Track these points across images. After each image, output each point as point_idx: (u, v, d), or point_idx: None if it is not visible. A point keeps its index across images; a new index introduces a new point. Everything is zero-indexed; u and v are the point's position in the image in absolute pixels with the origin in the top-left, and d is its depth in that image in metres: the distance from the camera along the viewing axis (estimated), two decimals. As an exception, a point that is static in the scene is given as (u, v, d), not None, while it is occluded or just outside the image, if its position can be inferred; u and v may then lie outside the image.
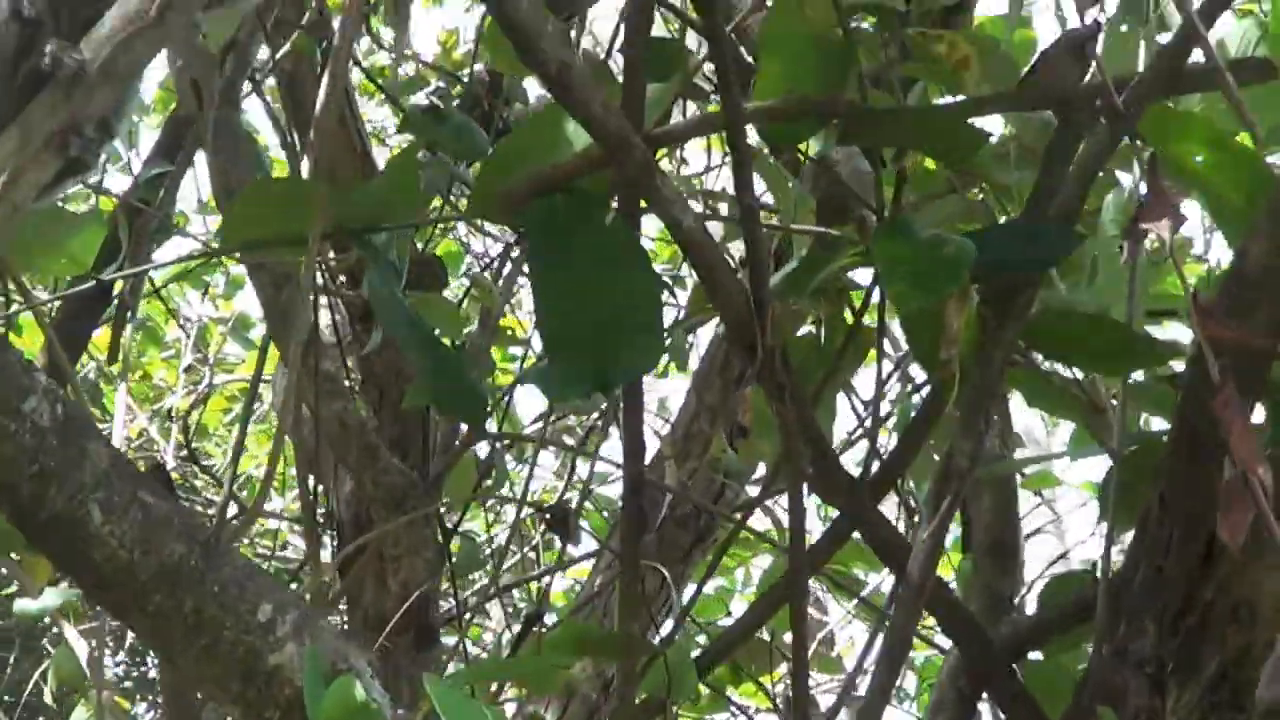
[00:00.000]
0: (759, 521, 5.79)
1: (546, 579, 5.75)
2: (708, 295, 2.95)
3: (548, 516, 4.20)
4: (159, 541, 2.52)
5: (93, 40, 2.05)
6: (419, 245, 5.84)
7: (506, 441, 5.81)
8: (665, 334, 4.58)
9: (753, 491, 5.29)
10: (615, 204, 2.93)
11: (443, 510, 5.33)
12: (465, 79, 6.06)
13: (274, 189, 3.26)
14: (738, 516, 4.84)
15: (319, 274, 4.90)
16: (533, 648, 3.66)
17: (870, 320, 3.22)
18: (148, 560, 2.51)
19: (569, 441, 6.43)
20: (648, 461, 5.46)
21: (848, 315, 3.33)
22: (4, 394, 2.45)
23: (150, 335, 8.69)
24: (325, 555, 6.19)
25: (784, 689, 7.19)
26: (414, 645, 4.86)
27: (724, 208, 4.63)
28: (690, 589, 7.07)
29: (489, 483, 5.44)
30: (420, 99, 5.56)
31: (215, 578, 2.54)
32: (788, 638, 7.21)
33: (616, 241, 2.85)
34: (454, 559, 5.26)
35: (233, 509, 6.94)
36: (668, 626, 6.04)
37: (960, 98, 3.06)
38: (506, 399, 5.77)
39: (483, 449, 5.59)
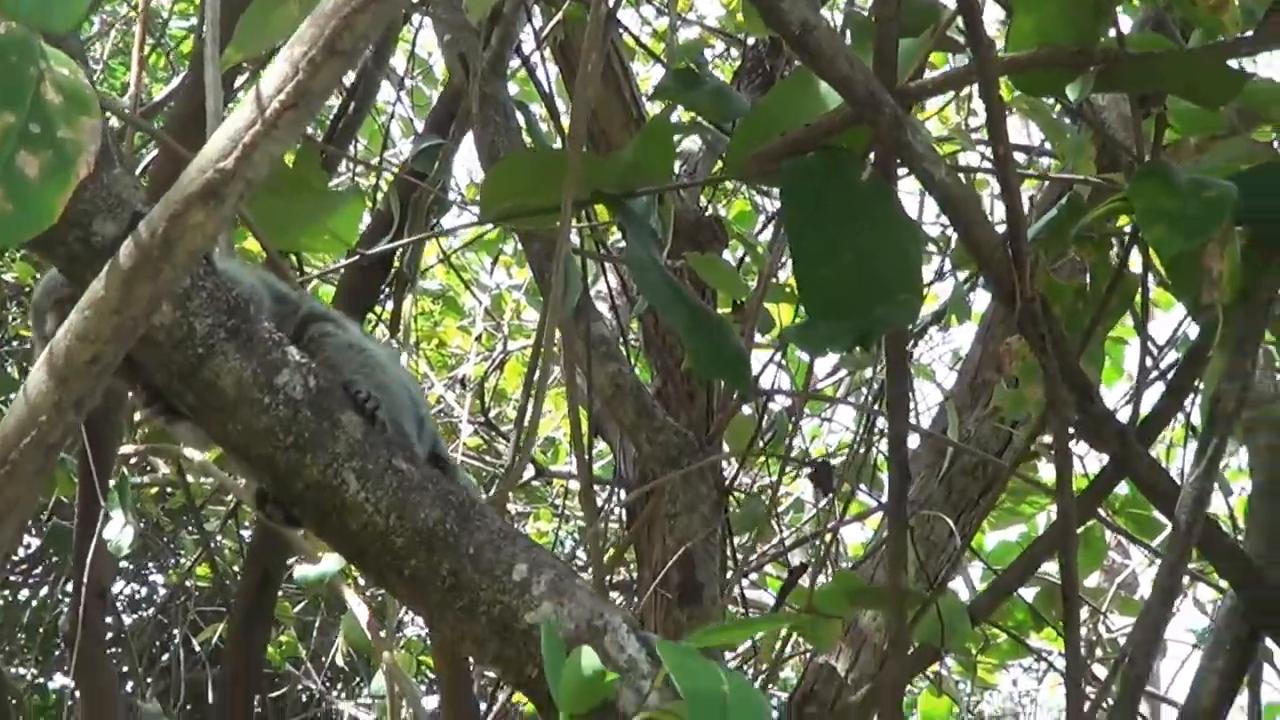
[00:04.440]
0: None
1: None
2: (965, 247, 2.94)
3: (809, 470, 4.20)
4: (414, 507, 2.58)
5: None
6: (706, 205, 5.90)
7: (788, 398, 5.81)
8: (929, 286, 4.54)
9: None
10: (871, 160, 2.95)
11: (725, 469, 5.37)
12: (747, 41, 6.11)
13: (529, 159, 3.33)
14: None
15: (592, 239, 4.97)
16: (798, 598, 3.66)
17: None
18: (404, 525, 2.57)
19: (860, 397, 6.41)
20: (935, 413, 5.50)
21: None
22: (258, 369, 2.54)
23: (450, 304, 8.85)
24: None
25: (1085, 632, 7.16)
26: (679, 601, 4.92)
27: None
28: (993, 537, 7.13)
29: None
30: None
31: (470, 540, 2.59)
32: (1088, 582, 7.17)
33: (872, 198, 2.86)
34: (734, 515, 5.31)
35: (529, 471, 7.17)
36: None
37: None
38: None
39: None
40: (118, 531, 4.76)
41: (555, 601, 2.55)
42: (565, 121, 5.09)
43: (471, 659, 4.17)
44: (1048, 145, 5.24)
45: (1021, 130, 7.02)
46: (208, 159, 2.07)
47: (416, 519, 2.57)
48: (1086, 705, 3.54)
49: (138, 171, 4.82)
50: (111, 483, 4.76)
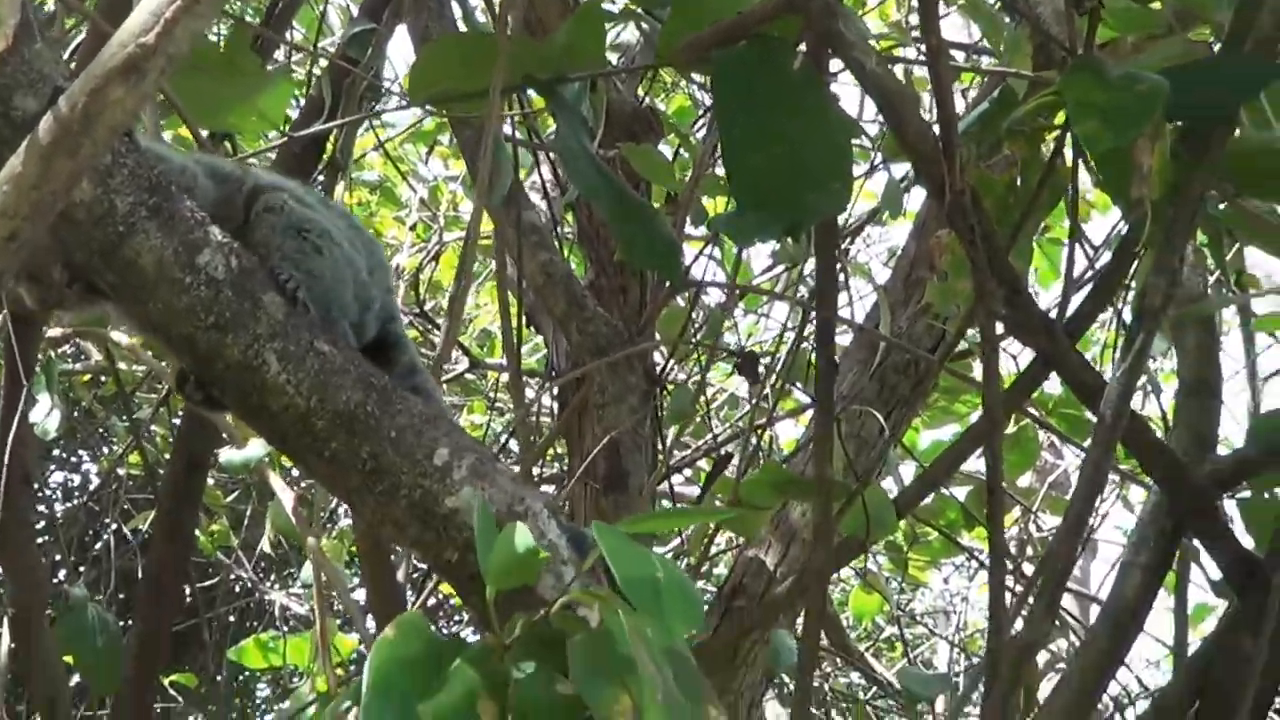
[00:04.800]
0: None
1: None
2: (895, 138, 2.93)
3: (736, 359, 4.20)
4: (335, 389, 2.57)
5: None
6: (642, 97, 5.87)
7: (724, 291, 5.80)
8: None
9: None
10: (802, 49, 2.93)
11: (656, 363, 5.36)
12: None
13: (460, 42, 3.30)
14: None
15: (524, 127, 4.94)
16: (725, 490, 3.66)
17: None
18: (324, 408, 2.56)
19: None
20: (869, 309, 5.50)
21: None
22: (179, 248, 2.52)
23: (387, 194, 8.80)
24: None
25: (1016, 531, 7.20)
26: (604, 489, 4.93)
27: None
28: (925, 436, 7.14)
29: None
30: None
31: (391, 424, 2.58)
32: (1020, 482, 7.20)
33: (803, 87, 2.84)
34: (664, 407, 5.31)
35: (464, 364, 7.17)
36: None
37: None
38: (739, 249, 5.72)
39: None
40: (44, 415, 4.74)
41: (476, 486, 2.56)
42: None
43: (394, 544, 4.17)
44: (986, 44, 5.22)
45: (962, 29, 7.02)
46: (129, 34, 2.05)
47: (338, 401, 2.57)
48: (1013, 601, 3.57)
49: (66, 55, 4.76)
50: (38, 366, 4.73)
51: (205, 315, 2.52)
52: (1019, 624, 3.40)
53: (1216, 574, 3.49)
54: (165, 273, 2.50)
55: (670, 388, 5.73)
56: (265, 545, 5.97)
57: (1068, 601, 6.72)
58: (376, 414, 2.58)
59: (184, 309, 2.52)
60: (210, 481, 6.41)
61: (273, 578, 9.96)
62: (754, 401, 5.60)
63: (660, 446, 5.33)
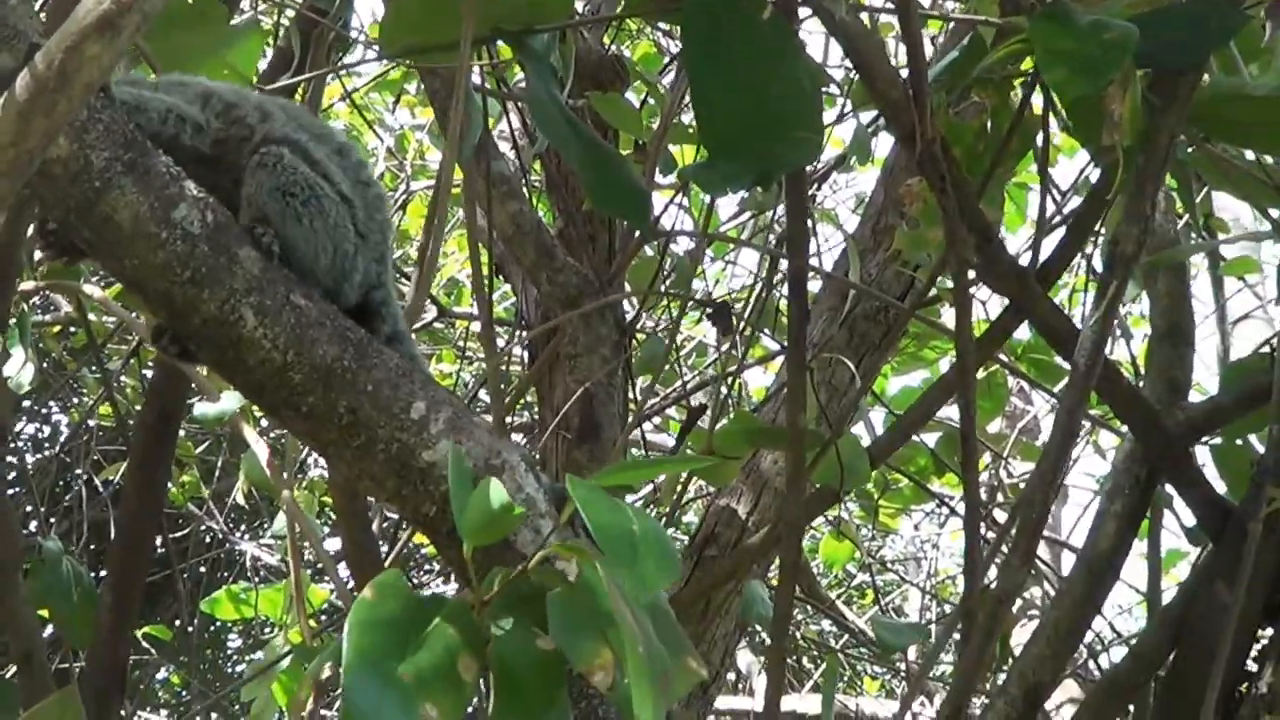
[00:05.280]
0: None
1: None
2: (866, 87, 2.92)
3: (708, 310, 4.19)
4: (312, 343, 2.57)
5: None
6: (607, 45, 5.85)
7: (693, 239, 5.79)
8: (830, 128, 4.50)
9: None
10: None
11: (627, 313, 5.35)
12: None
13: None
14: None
15: (493, 77, 4.91)
16: (697, 441, 3.67)
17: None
18: (301, 362, 2.56)
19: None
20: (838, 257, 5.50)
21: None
22: (155, 203, 2.51)
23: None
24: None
25: (987, 477, 7.22)
26: (577, 439, 4.93)
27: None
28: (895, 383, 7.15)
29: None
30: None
31: (368, 378, 2.59)
32: (990, 428, 7.20)
33: (772, 37, 2.83)
34: (634, 357, 5.31)
35: (432, 312, 7.15)
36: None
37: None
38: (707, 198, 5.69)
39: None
40: (17, 368, 4.71)
41: (453, 439, 2.56)
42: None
43: (371, 497, 4.17)
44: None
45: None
46: (103, -11, 2.04)
47: (314, 355, 2.56)
48: (987, 549, 3.58)
49: (37, 6, 4.72)
50: (11, 320, 4.69)
51: (181, 270, 2.51)
52: (993, 571, 3.41)
53: (1189, 520, 3.51)
54: (141, 228, 2.49)
55: (640, 337, 5.74)
56: (239, 496, 5.97)
57: (1039, 548, 6.75)
58: (353, 368, 2.58)
59: (160, 264, 2.50)
60: (181, 433, 6.40)
61: (243, 528, 9.95)
62: (723, 350, 5.60)
63: (631, 395, 5.32)
